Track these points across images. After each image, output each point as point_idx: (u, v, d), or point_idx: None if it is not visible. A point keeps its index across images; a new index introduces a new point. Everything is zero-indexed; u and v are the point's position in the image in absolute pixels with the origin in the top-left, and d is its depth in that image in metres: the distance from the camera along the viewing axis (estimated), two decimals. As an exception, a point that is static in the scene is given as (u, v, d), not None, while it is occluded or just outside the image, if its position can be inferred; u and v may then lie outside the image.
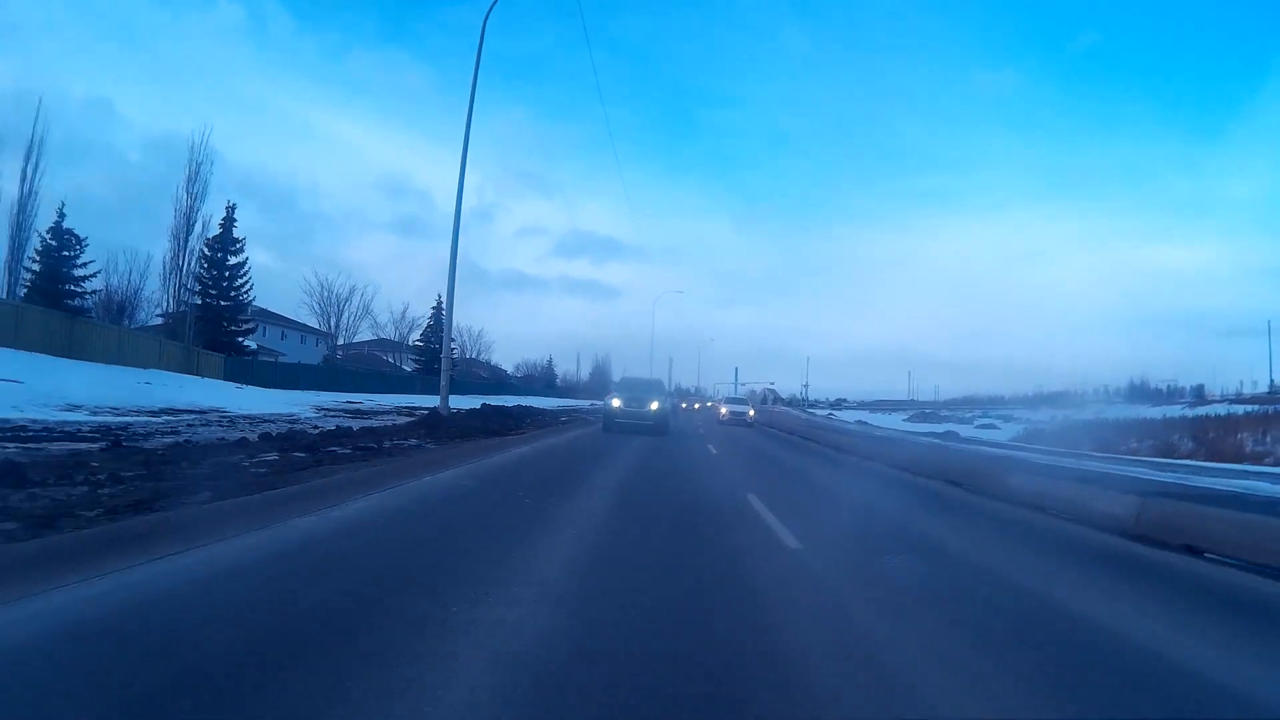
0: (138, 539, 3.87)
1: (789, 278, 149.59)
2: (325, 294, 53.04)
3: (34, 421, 10.74)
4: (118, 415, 12.69)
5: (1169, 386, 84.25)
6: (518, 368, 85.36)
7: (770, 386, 74.00)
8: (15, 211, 25.30)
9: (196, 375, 29.06)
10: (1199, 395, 71.03)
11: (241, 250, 35.83)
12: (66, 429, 10.29)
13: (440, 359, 55.30)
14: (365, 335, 59.02)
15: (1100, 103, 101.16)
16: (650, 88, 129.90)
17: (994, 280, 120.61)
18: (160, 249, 57.45)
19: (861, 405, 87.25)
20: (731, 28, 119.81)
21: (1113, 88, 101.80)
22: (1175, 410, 46.99)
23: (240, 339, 35.74)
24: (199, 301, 33.66)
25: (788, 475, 10.57)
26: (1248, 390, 68.01)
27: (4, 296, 24.76)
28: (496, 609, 2.97)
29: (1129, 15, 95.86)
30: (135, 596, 2.90)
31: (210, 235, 34.33)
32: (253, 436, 10.09)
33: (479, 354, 69.76)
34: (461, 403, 34.18)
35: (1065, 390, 65.96)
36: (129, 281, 34.66)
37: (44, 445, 8.58)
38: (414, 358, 57.70)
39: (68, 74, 63.72)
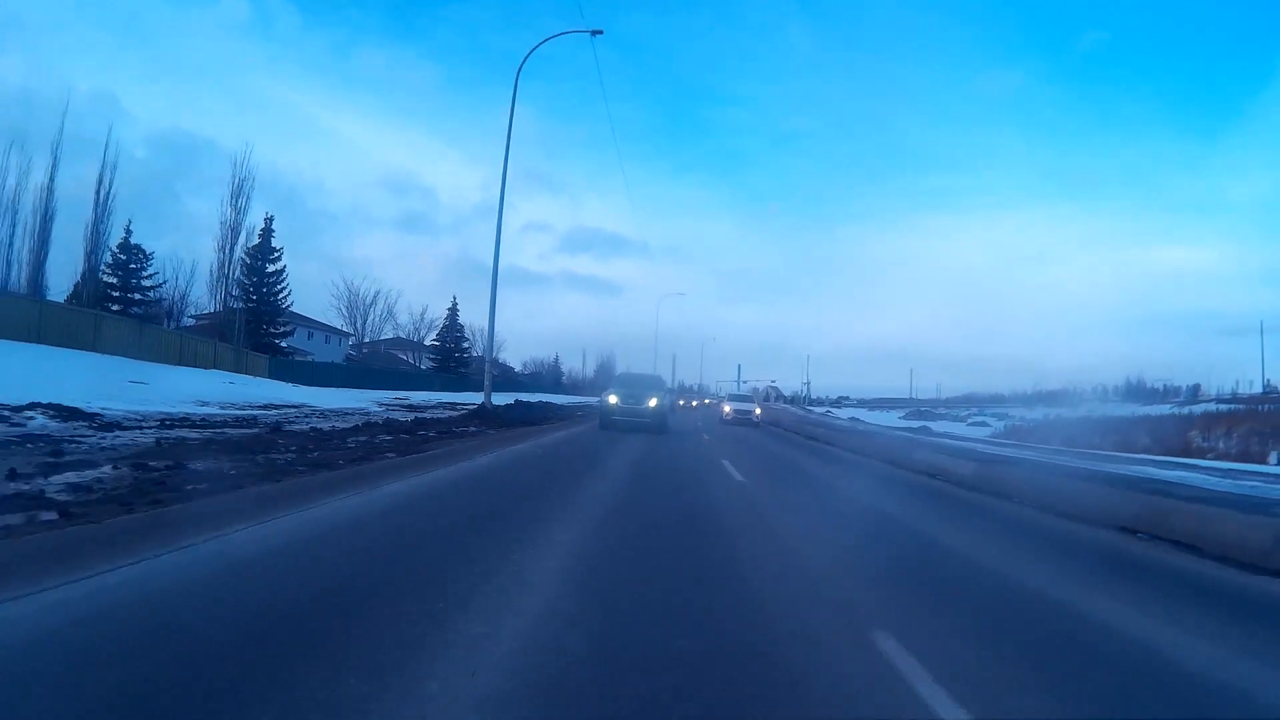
0: (386, 472, 7.40)
1: (792, 276, 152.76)
2: (352, 297, 56.88)
3: (188, 414, 14.34)
4: (239, 409, 16.32)
5: (1165, 386, 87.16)
6: (525, 365, 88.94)
7: (772, 384, 77.27)
8: (90, 230, 28.97)
9: (247, 374, 32.73)
10: (1194, 395, 73.99)
11: (279, 258, 39.58)
12: (217, 419, 13.87)
13: (454, 357, 58.31)
14: (386, 334, 62.74)
15: (1104, 103, 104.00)
16: (656, 86, 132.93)
17: (997, 279, 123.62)
18: (168, 243, 60.90)
19: (862, 403, 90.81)
20: (736, 27, 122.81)
21: (1117, 88, 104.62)
22: (1164, 409, 50.15)
23: (278, 340, 39.44)
24: (240, 305, 37.36)
25: (755, 450, 14.19)
26: (1243, 390, 70.86)
27: (83, 306, 28.37)
28: (594, 490, 6.52)
29: (1133, 16, 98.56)
30: (417, 491, 6.44)
31: (250, 244, 38.09)
32: (360, 424, 13.68)
33: (492, 352, 73.45)
34: (469, 398, 37.72)
35: (1063, 389, 68.87)
36: (175, 287, 38.41)
37: (221, 430, 12.14)
38: (430, 356, 61.48)
39: (72, 69, 66.05)
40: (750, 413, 29.96)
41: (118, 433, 10.72)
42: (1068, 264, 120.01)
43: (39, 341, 24.46)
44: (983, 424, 54.91)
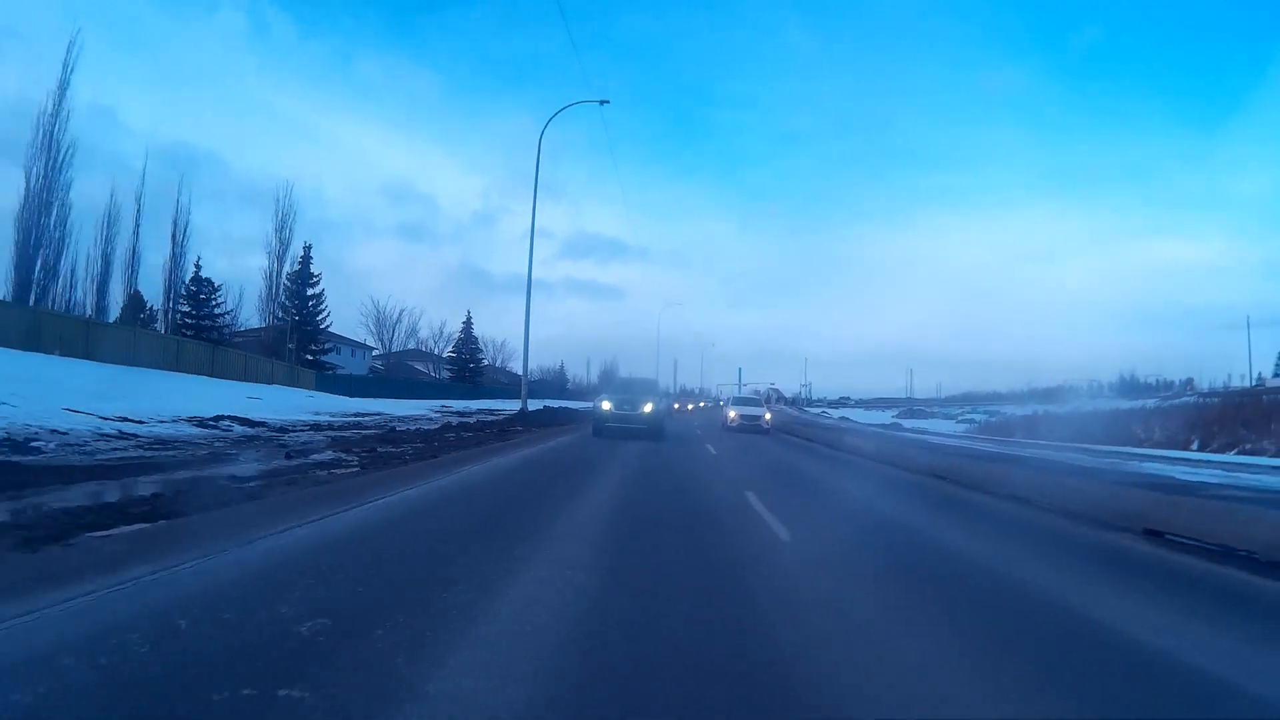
0: (502, 450, 12.60)
1: (793, 277, 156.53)
2: (380, 316, 62.38)
3: (315, 421, 19.60)
4: (343, 417, 21.59)
5: (1157, 380, 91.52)
6: (530, 373, 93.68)
7: (773, 386, 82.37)
8: (169, 269, 34.42)
9: (298, 388, 38.04)
10: (1184, 389, 78.55)
11: (318, 283, 44.97)
12: (339, 424, 19.12)
13: (468, 367, 63.12)
14: (405, 346, 68.09)
15: (1104, 99, 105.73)
16: (655, 88, 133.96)
17: (999, 277, 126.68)
18: (163, 254, 64.97)
19: (860, 403, 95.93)
20: (737, 27, 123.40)
21: (1116, 84, 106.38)
22: (1149, 404, 54.68)
23: (321, 356, 44.83)
24: (286, 324, 42.76)
25: (732, 437, 19.39)
26: (1235, 383, 75.27)
27: (164, 334, 33.74)
28: (621, 460, 11.75)
29: (1131, 11, 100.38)
30: (536, 455, 11.66)
31: (291, 271, 43.50)
32: (441, 425, 18.91)
33: (502, 362, 78.75)
34: (495, 405, 42.77)
35: (1058, 386, 72.86)
36: (226, 307, 43.80)
37: (354, 430, 17.36)
38: (447, 366, 66.94)
39: (70, 79, 68.10)
40: (759, 418, 25.79)
41: (293, 433, 15.92)
42: (1070, 261, 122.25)
43: (134, 365, 29.70)
44: (970, 420, 59.84)
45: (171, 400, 19.35)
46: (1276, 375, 67.56)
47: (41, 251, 30.66)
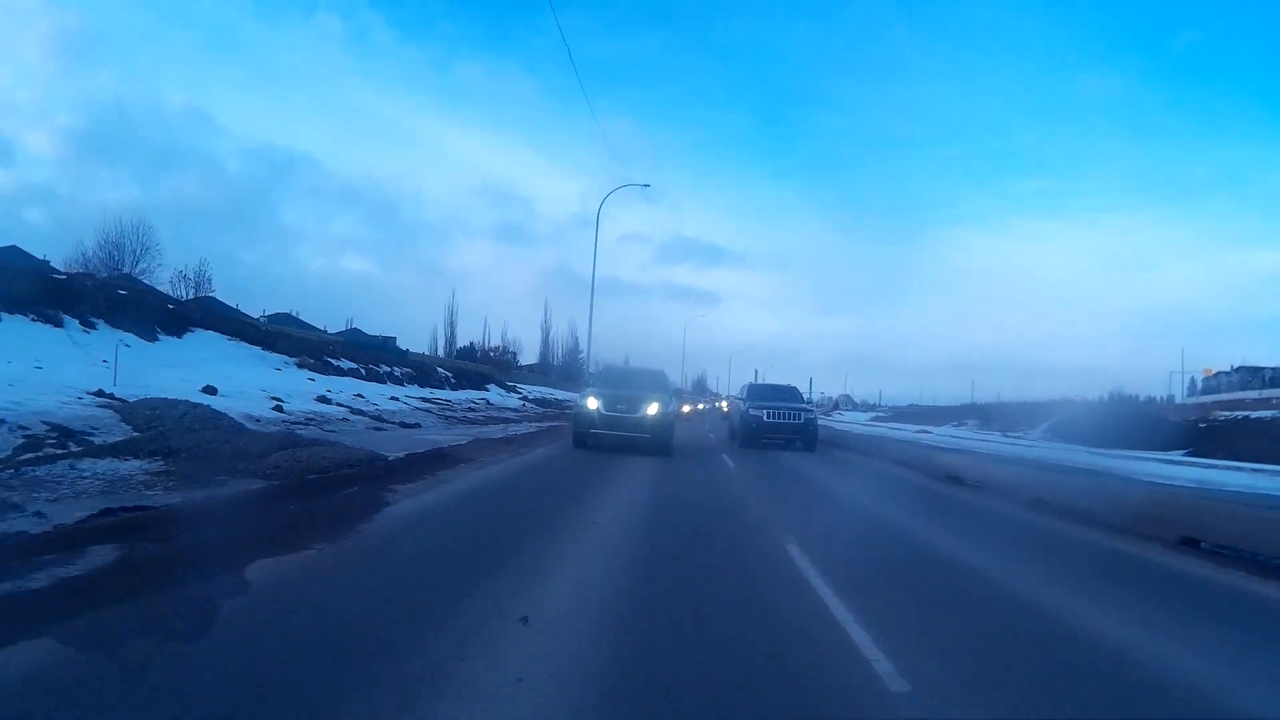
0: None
1: (886, 283, 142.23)
2: (573, 349, 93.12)
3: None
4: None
5: (1136, 396, 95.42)
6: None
7: (846, 394, 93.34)
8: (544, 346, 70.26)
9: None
10: (1168, 403, 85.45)
11: (582, 352, 78.17)
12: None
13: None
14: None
15: (1203, 104, 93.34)
16: (753, 89, 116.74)
17: (1091, 284, 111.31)
18: (262, 253, 73.09)
19: (904, 410, 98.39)
20: (837, 29, 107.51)
21: (1215, 88, 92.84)
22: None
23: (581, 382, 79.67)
24: (569, 369, 77.37)
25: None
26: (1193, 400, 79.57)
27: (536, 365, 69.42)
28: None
29: (1230, 13, 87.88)
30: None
31: (570, 347, 77.94)
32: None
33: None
34: None
35: (1067, 398, 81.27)
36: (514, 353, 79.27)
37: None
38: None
39: (168, 84, 67.46)
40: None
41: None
42: (1166, 268, 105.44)
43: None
44: (962, 424, 75.61)
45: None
46: (1191, 395, 69.98)
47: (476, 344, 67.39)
